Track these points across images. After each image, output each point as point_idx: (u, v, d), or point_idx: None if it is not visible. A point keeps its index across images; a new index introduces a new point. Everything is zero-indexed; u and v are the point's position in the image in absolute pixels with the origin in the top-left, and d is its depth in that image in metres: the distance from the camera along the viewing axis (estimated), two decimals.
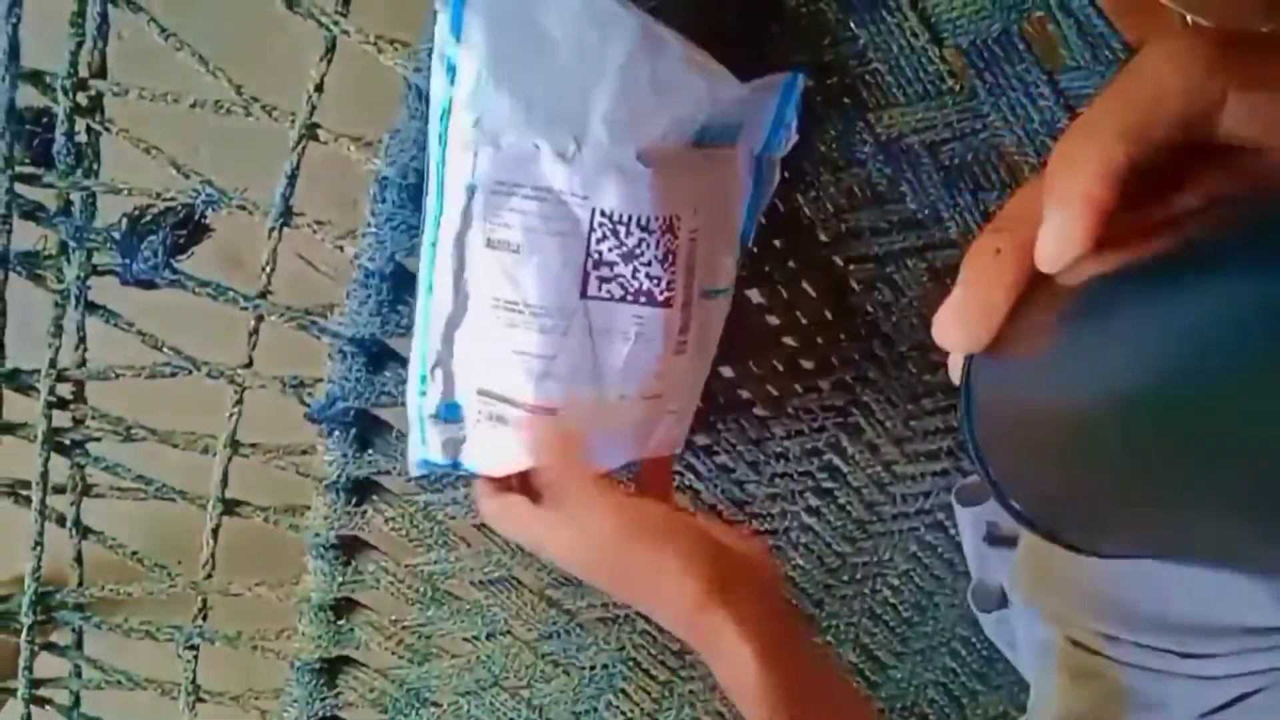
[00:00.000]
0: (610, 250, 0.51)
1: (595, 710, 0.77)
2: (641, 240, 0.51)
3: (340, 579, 0.69)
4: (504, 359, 0.53)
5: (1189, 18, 0.53)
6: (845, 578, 0.75)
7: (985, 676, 0.79)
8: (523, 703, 0.76)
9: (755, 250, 0.59)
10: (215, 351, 0.64)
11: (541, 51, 0.45)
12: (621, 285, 0.52)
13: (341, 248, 0.59)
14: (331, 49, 0.54)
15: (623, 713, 0.78)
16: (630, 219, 0.50)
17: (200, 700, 0.75)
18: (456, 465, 0.58)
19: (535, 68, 0.46)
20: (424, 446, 0.57)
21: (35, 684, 0.75)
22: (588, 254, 0.50)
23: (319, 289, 0.67)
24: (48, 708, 0.77)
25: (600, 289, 0.52)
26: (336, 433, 0.64)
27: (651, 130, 0.47)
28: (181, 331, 0.66)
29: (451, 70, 0.46)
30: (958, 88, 0.53)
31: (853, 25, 0.52)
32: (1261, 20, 0.52)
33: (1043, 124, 0.54)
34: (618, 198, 0.49)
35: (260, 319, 0.62)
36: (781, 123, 0.52)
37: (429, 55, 0.48)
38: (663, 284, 0.52)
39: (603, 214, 0.49)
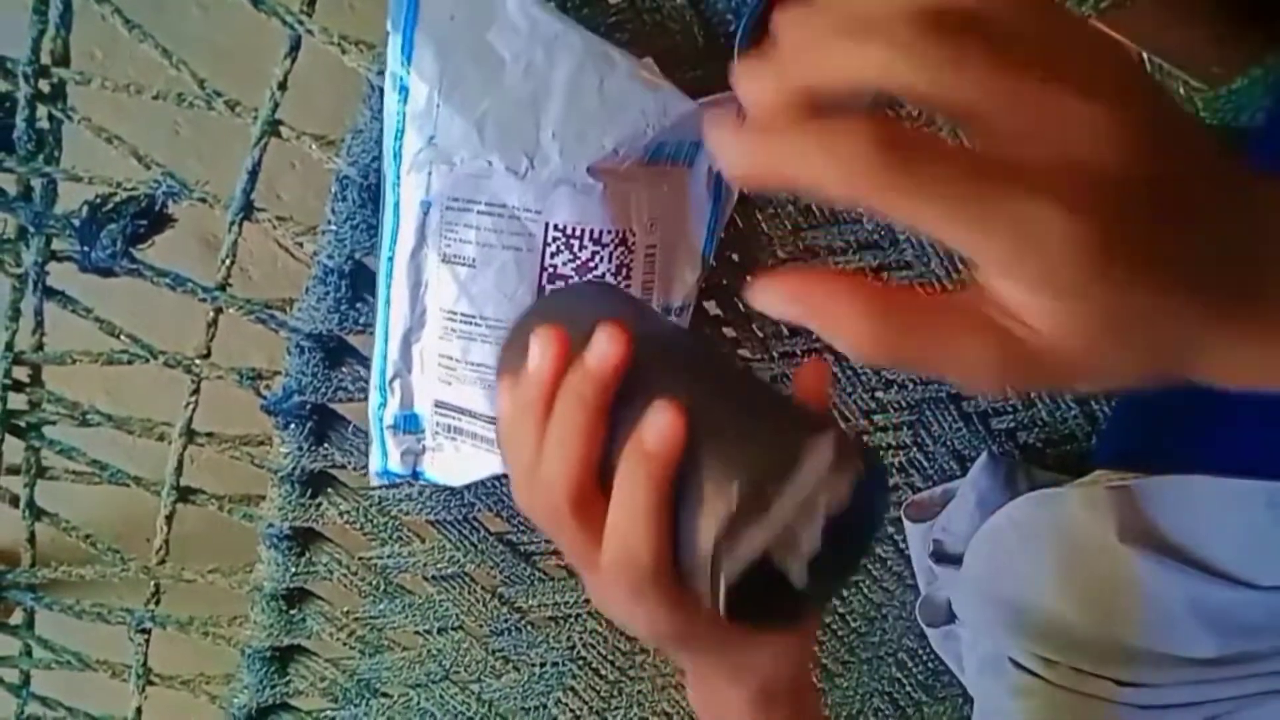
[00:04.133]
0: (564, 264, 0.51)
1: (544, 707, 0.78)
2: (595, 254, 0.51)
3: (293, 569, 0.70)
4: (461, 372, 0.53)
5: (1145, 54, 0.54)
6: None
7: (931, 688, 0.81)
8: (472, 697, 0.77)
9: (714, 264, 0.59)
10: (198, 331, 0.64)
11: (491, 71, 0.46)
12: None
13: (301, 244, 0.59)
14: (296, 47, 0.54)
15: (571, 710, 0.78)
16: (583, 232, 0.50)
17: (150, 683, 0.75)
18: (417, 475, 0.59)
19: (485, 87, 0.46)
20: (384, 457, 0.58)
21: None
22: (542, 267, 0.51)
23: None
24: None
25: None
26: (292, 426, 0.64)
27: (602, 146, 0.48)
28: (162, 309, 0.65)
29: (404, 91, 0.47)
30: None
31: None
32: (1215, 58, 0.53)
33: None
34: (570, 212, 0.49)
35: (219, 310, 0.62)
36: None
37: None
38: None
39: (556, 228, 0.50)
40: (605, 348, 0.34)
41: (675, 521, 0.32)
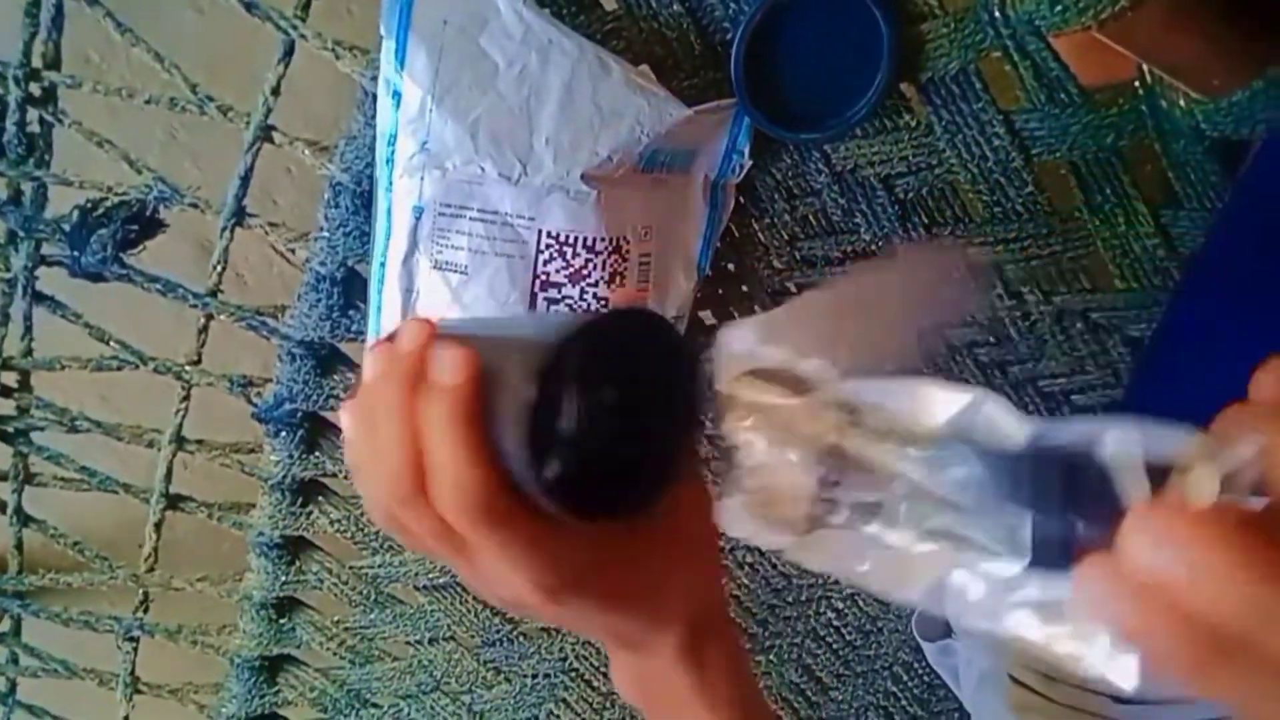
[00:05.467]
0: (557, 271, 0.51)
1: (536, 718, 0.77)
2: (588, 261, 0.51)
3: (283, 578, 0.69)
4: None
5: (1144, 65, 0.53)
6: (790, 598, 0.75)
7: (926, 703, 0.80)
8: (463, 708, 0.76)
9: (709, 273, 0.58)
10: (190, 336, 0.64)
11: (485, 77, 0.46)
12: (569, 305, 0.52)
13: (295, 250, 0.59)
14: (290, 52, 0.53)
15: None
16: (576, 240, 0.50)
17: (138, 692, 0.74)
18: None
19: (479, 93, 0.46)
20: None
21: None
22: (535, 275, 0.50)
23: None
24: None
25: (548, 309, 0.52)
26: (283, 433, 0.63)
27: (596, 152, 0.47)
28: (154, 315, 0.65)
29: (397, 96, 0.47)
30: (914, 123, 0.53)
31: None
32: (1216, 70, 0.53)
33: (996, 163, 0.54)
34: (563, 219, 0.49)
35: (210, 317, 0.61)
36: (735, 149, 0.52)
37: None
38: (610, 304, 0.52)
39: (549, 235, 0.49)
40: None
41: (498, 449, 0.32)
